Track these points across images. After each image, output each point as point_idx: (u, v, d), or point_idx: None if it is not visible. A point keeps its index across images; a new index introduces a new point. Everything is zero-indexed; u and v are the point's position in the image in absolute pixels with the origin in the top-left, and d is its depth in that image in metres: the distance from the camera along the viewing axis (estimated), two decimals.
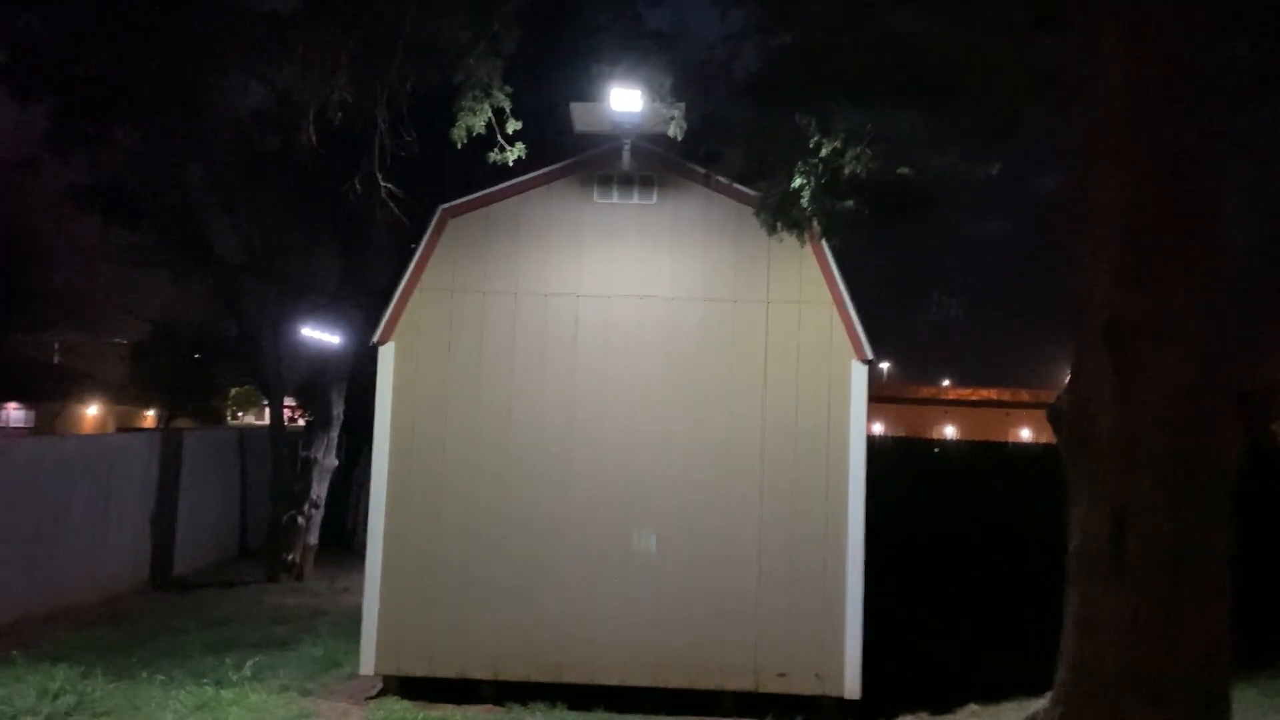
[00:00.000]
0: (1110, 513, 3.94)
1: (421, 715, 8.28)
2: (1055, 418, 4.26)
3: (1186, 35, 3.98)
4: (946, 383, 64.75)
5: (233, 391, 35.05)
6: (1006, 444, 23.22)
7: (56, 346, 37.43)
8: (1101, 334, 3.97)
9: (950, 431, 49.80)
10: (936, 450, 20.73)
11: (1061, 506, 4.72)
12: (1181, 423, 3.85)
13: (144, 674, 9.09)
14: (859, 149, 6.67)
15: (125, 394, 33.39)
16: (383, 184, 8.11)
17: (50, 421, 33.73)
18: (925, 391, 57.88)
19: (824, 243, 8.76)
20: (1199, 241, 3.92)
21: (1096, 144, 4.13)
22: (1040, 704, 4.27)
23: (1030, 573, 14.30)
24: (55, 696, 8.18)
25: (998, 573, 15.32)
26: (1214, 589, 3.84)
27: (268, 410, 16.90)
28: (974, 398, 57.03)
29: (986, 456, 19.43)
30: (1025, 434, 49.33)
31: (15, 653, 9.48)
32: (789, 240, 8.46)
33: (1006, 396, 56.33)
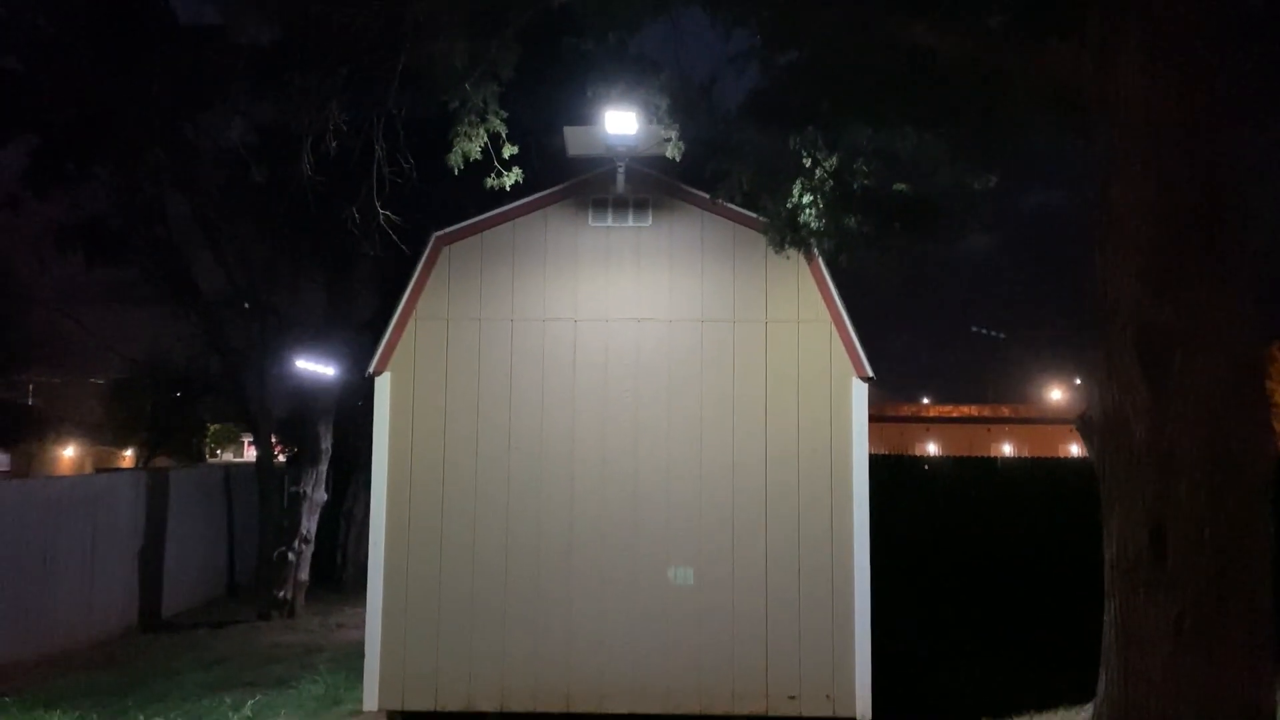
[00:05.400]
0: (1148, 522, 3.91)
1: None
2: (1086, 428, 4.24)
3: (1203, 48, 4.00)
4: (926, 400, 65.07)
5: (211, 429, 34.76)
6: (995, 459, 23.21)
7: (30, 388, 37.00)
8: (1133, 342, 3.96)
9: (933, 448, 50.00)
10: (926, 466, 20.70)
11: (1057, 520, 4.68)
12: (1216, 429, 3.84)
13: (140, 717, 8.91)
14: (859, 163, 6.69)
15: (102, 434, 33.03)
16: (381, 211, 8.04)
17: (26, 464, 33.25)
18: (906, 409, 58.13)
19: (821, 262, 8.76)
20: (1225, 250, 3.92)
21: (1116, 155, 4.13)
22: (1081, 717, 4.21)
23: (1026, 585, 14.33)
24: None
25: (993, 585, 15.30)
26: (1256, 595, 3.82)
27: (252, 446, 16.72)
28: (955, 414, 57.35)
29: (975, 471, 19.42)
30: (1007, 449, 49.58)
31: (8, 699, 9.27)
32: (786, 260, 8.47)
33: (987, 412, 56.70)
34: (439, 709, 8.71)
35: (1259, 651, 3.81)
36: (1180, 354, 3.85)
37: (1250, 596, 3.80)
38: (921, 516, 16.83)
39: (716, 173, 7.01)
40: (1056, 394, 55.97)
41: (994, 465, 19.79)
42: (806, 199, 6.62)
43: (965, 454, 31.07)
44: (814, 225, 6.80)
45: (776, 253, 7.68)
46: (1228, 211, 3.94)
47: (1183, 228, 3.94)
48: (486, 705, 8.69)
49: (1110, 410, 4.06)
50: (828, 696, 8.64)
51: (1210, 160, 3.95)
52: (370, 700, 8.76)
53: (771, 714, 8.63)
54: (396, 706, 8.78)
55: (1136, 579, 3.91)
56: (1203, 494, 3.80)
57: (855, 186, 6.39)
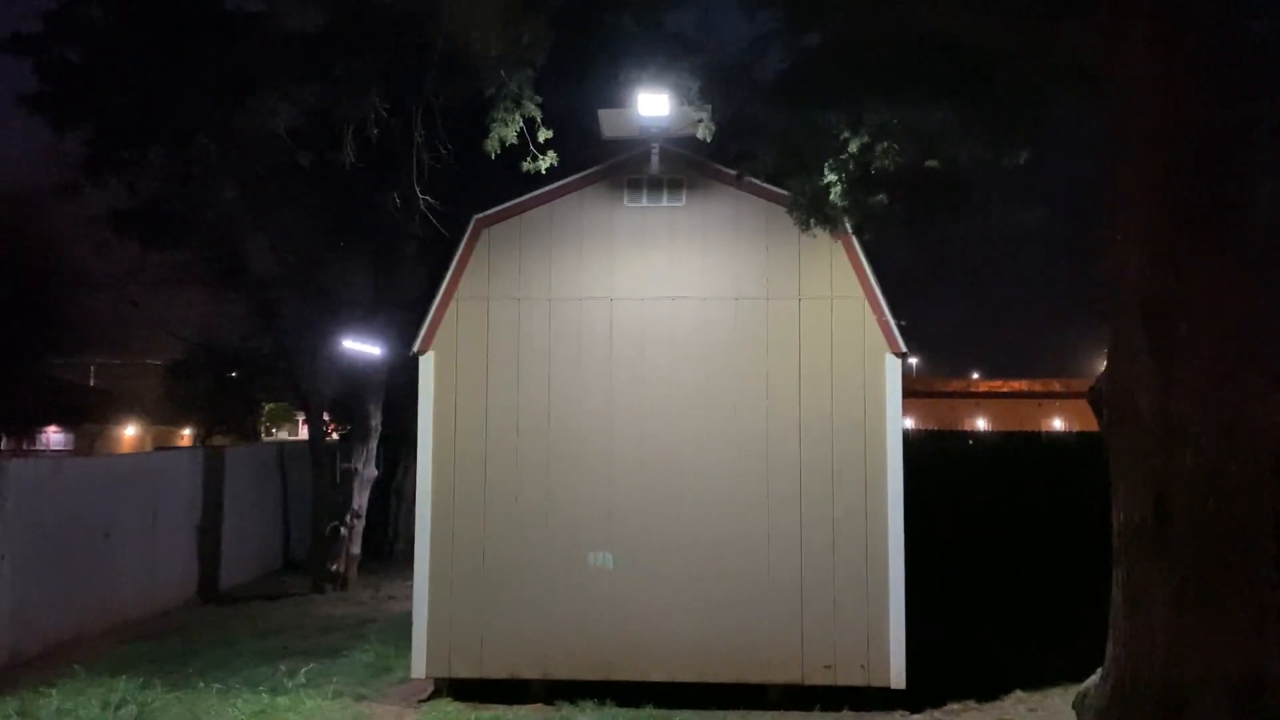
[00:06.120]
0: (1153, 490, 4.02)
1: (474, 715, 8.44)
2: (1095, 399, 4.34)
3: (1210, 19, 4.06)
4: (976, 375, 64.39)
5: (266, 408, 35.45)
6: (1040, 434, 23.05)
7: (92, 369, 38.06)
8: (1138, 314, 4.05)
9: (982, 424, 49.52)
10: (971, 441, 20.68)
11: (1099, 493, 4.78)
12: (1220, 399, 3.93)
13: (200, 683, 9.31)
14: (887, 144, 6.77)
15: (161, 414, 33.87)
16: (421, 195, 8.28)
17: (89, 443, 34.22)
18: (955, 384, 57.60)
19: (853, 237, 8.84)
20: (1230, 222, 4.00)
21: (1125, 128, 4.21)
22: (1091, 680, 4.34)
23: (1068, 558, 14.31)
24: (118, 707, 8.44)
25: (1035, 556, 15.31)
26: (1259, 560, 3.91)
27: (304, 424, 17.14)
28: (1005, 389, 56.69)
29: (1021, 446, 19.36)
30: (1058, 424, 48.98)
31: (77, 666, 9.74)
32: (819, 236, 8.58)
33: (1038, 387, 55.98)
34: (484, 676, 9.01)
35: (1262, 618, 3.91)
36: (1184, 325, 3.94)
37: (1252, 564, 3.89)
38: (966, 490, 16.86)
39: (742, 154, 7.15)
40: None
41: (1039, 439, 19.74)
42: (831, 178, 6.74)
43: (1015, 429, 30.81)
44: (839, 203, 6.91)
45: (803, 231, 7.79)
46: (1232, 186, 4.01)
47: (1187, 202, 4.02)
48: (530, 673, 8.97)
49: (1118, 381, 4.17)
50: (862, 666, 8.80)
51: (1214, 136, 4.02)
52: (418, 668, 9.08)
53: (807, 683, 8.81)
54: (444, 674, 9.09)
55: (1142, 546, 4.02)
56: (1206, 463, 3.90)
57: (881, 165, 6.48)
